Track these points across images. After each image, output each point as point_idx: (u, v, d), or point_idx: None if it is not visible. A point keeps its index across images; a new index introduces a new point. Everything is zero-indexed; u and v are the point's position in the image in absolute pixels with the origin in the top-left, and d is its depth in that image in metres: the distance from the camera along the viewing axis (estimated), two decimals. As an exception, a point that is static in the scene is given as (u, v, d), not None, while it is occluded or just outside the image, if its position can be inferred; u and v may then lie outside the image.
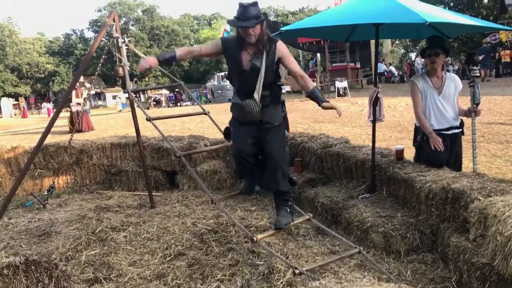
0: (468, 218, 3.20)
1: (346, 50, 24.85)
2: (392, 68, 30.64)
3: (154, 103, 38.78)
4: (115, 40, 5.33)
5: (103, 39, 5.85)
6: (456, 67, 24.72)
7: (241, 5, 3.41)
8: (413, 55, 49.25)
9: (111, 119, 17.04)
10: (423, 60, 4.57)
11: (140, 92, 50.51)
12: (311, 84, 3.74)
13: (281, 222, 3.71)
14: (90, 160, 7.48)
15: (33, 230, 5.07)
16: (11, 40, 58.62)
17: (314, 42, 24.53)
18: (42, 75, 61.25)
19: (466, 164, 5.39)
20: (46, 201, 6.26)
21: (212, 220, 4.94)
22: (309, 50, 29.04)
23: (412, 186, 4.07)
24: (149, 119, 4.61)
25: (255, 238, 3.43)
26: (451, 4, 47.36)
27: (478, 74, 4.36)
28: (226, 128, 4.05)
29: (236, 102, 3.61)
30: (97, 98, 53.40)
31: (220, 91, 30.84)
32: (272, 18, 62.91)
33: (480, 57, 19.32)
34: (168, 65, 3.54)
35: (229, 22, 3.53)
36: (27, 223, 5.34)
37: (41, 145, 5.12)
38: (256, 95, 3.53)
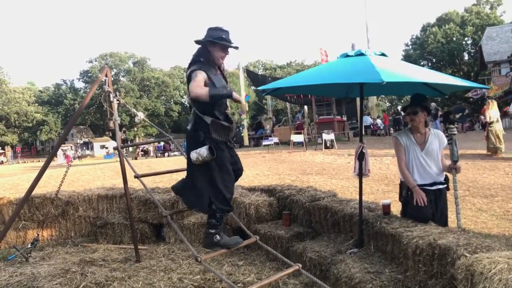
0: (455, 275, 3.21)
1: (333, 103, 25.42)
2: (378, 121, 31.23)
3: (142, 153, 38.78)
4: (106, 94, 5.43)
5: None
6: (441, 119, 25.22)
7: (225, 30, 3.67)
8: (399, 108, 50.35)
9: (98, 170, 16.93)
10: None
11: (128, 142, 50.67)
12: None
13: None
14: (76, 212, 7.39)
15: (14, 285, 4.93)
16: (0, 89, 59.06)
17: (302, 96, 25.05)
18: (30, 124, 61.27)
19: (453, 218, 5.42)
20: (29, 254, 6.12)
21: (199, 276, 4.86)
22: (296, 103, 29.63)
23: (399, 242, 4.08)
24: (137, 176, 4.59)
25: None
26: (433, 60, 49.16)
27: (455, 132, 4.48)
28: (210, 146, 3.62)
29: (227, 125, 3.69)
30: (85, 148, 53.28)
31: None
32: (260, 71, 64.59)
33: (458, 115, 19.90)
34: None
35: (222, 40, 3.63)
36: (8, 278, 5.20)
37: (28, 197, 5.08)
38: (229, 112, 3.83)
